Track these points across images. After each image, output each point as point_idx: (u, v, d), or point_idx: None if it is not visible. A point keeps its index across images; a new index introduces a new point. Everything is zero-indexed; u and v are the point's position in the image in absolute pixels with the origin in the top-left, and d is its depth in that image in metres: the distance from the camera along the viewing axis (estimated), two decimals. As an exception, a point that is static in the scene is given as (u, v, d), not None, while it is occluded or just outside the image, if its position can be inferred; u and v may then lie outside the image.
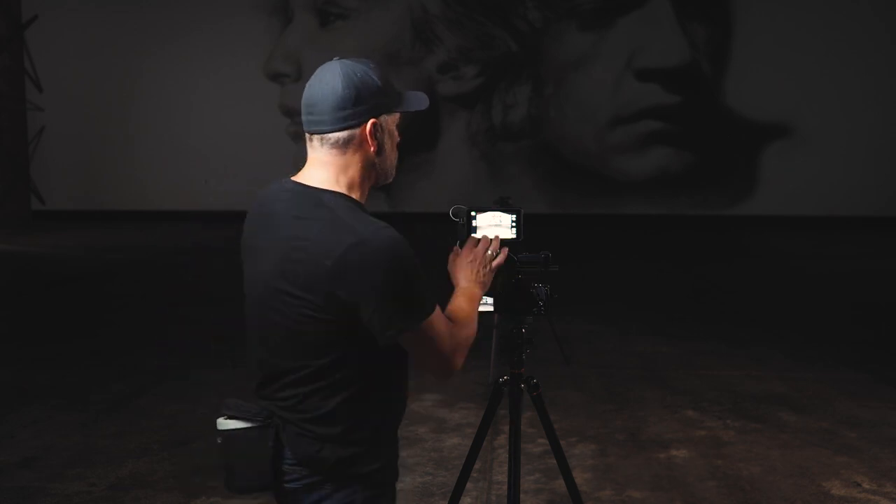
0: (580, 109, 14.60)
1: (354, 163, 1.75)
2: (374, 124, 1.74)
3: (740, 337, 6.53)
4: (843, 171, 14.13)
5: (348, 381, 1.70)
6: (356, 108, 1.70)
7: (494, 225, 2.43)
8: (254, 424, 1.73)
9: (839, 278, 9.28)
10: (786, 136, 14.41)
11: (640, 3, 14.39)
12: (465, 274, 1.99)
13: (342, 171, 1.74)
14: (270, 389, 1.75)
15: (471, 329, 1.86)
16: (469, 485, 2.94)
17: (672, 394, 5.08)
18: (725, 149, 14.51)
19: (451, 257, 2.07)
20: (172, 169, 15.08)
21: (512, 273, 2.41)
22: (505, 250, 2.12)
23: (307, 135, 1.76)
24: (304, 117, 1.75)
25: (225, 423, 1.74)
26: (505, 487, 3.10)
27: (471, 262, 2.01)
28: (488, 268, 2.03)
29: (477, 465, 3.18)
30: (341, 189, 1.74)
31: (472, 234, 2.19)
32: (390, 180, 1.88)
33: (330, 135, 1.72)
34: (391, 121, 1.80)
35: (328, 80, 1.72)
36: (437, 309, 1.74)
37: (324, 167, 1.74)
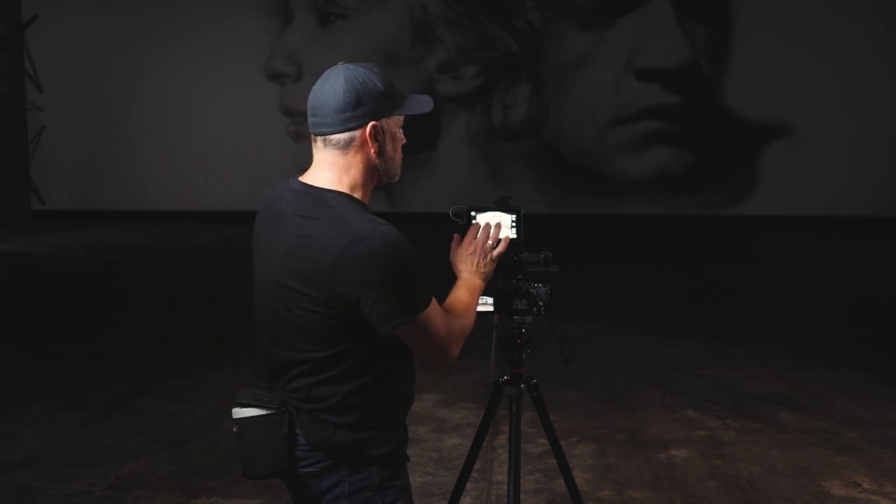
0: (580, 109, 14.60)
1: (356, 163, 1.82)
2: (374, 127, 1.81)
3: (740, 337, 6.53)
4: (843, 171, 14.13)
5: (356, 372, 1.76)
6: (356, 111, 1.78)
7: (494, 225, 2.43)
8: (268, 412, 1.81)
9: (839, 278, 9.28)
10: (786, 136, 14.42)
11: (640, 3, 14.39)
12: (467, 265, 2.04)
13: (345, 171, 1.81)
14: (281, 381, 1.83)
15: (467, 320, 1.91)
16: (469, 485, 2.94)
17: (672, 394, 5.08)
18: (725, 149, 14.51)
19: (452, 246, 2.11)
20: (172, 169, 15.08)
21: (512, 273, 2.41)
22: (506, 238, 2.14)
23: (313, 136, 1.84)
24: (309, 119, 1.83)
25: (240, 412, 1.84)
26: (505, 487, 3.10)
27: (471, 253, 2.05)
28: (489, 257, 2.06)
29: (477, 465, 3.18)
30: (344, 189, 1.81)
31: (474, 222, 2.21)
32: (396, 179, 1.93)
33: (332, 136, 1.80)
34: (393, 123, 1.87)
35: (331, 84, 1.79)
36: (434, 302, 1.80)
37: (328, 168, 1.81)
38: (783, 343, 6.34)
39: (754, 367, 5.70)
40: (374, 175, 1.87)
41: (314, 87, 1.83)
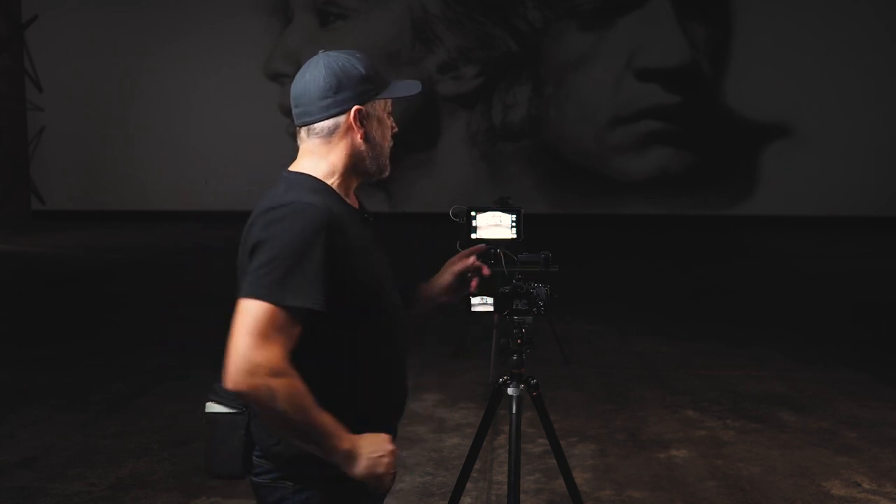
0: (580, 109, 14.61)
1: (338, 150, 1.75)
2: (358, 111, 1.72)
3: (740, 337, 6.53)
4: (843, 171, 14.14)
5: (301, 373, 1.60)
6: (337, 95, 1.71)
7: (494, 225, 2.43)
8: (230, 411, 1.73)
9: (839, 278, 9.27)
10: (786, 136, 14.42)
11: (640, 3, 14.39)
12: (367, 451, 1.63)
13: (324, 157, 1.75)
14: None
15: (286, 422, 1.56)
16: (469, 485, 2.94)
17: (672, 394, 5.08)
18: (725, 149, 14.51)
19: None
20: (172, 169, 15.08)
21: (511, 273, 2.41)
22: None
23: (297, 129, 1.78)
24: (292, 111, 1.78)
25: (210, 406, 1.77)
26: (505, 487, 3.10)
27: (378, 459, 1.64)
28: (382, 468, 1.65)
29: (477, 465, 3.18)
30: (318, 175, 1.74)
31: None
32: (386, 173, 1.82)
33: (315, 125, 1.73)
34: (380, 108, 1.78)
35: (311, 72, 1.73)
36: (279, 309, 1.54)
37: (308, 155, 1.76)
38: (783, 343, 6.34)
39: (754, 367, 5.70)
40: (359, 163, 1.76)
41: (295, 78, 1.77)
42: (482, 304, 2.36)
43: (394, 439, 1.73)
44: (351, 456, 1.60)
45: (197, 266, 10.12)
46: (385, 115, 1.80)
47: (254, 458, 1.72)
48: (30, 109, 15.29)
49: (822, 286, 8.86)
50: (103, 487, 3.70)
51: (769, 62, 14.13)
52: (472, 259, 2.02)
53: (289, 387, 1.53)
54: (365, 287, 1.69)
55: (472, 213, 2.37)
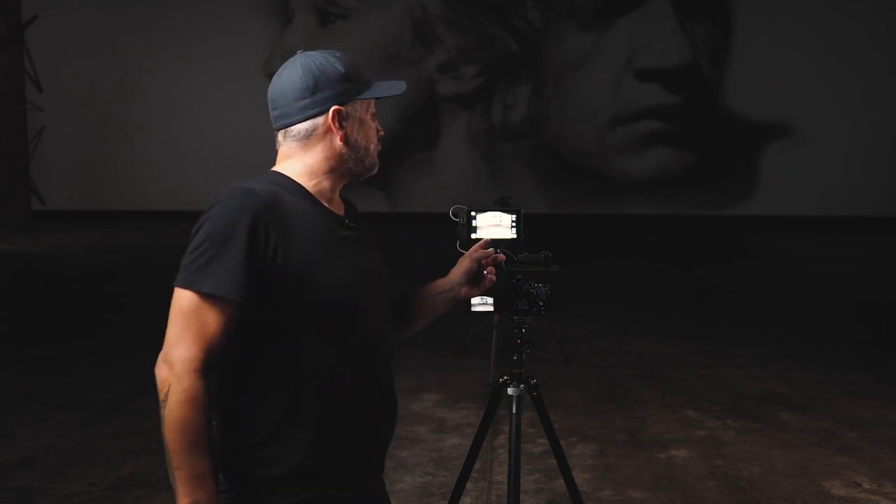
0: (580, 109, 14.61)
1: (316, 153, 1.66)
2: (336, 112, 1.64)
3: (740, 337, 6.53)
4: (843, 171, 14.14)
5: (232, 362, 1.56)
6: (315, 96, 1.63)
7: (494, 225, 2.43)
8: None
9: (839, 278, 9.27)
10: (786, 136, 14.43)
11: (640, 3, 14.40)
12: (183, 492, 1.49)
13: (300, 160, 1.66)
14: None
15: (174, 427, 1.50)
16: (469, 485, 2.93)
17: (672, 394, 5.08)
18: (725, 149, 14.52)
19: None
20: (172, 169, 15.08)
21: (511, 273, 2.41)
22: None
23: (274, 132, 1.70)
24: (270, 114, 1.69)
25: None
26: (505, 487, 3.10)
27: None
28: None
29: (477, 465, 3.18)
30: (294, 175, 1.66)
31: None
32: (374, 171, 1.74)
33: (293, 128, 1.65)
34: (361, 109, 1.68)
35: (287, 72, 1.67)
36: (198, 297, 1.49)
37: (284, 160, 1.68)
38: (783, 343, 6.34)
39: (754, 367, 5.70)
40: (339, 166, 1.67)
41: (272, 80, 1.70)
42: (482, 304, 2.36)
43: (369, 479, 1.66)
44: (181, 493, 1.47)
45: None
46: (368, 116, 1.70)
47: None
48: (30, 109, 15.30)
49: (822, 286, 8.86)
50: (103, 487, 3.70)
51: (769, 62, 14.13)
52: (489, 249, 2.00)
53: (183, 397, 1.49)
54: (308, 284, 1.55)
55: (472, 213, 2.36)
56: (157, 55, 14.88)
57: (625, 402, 4.94)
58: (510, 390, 2.52)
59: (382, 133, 1.74)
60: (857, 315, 7.39)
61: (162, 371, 1.54)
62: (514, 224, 2.37)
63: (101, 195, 15.30)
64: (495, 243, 2.45)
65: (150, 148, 15.17)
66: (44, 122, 15.28)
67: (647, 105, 14.40)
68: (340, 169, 1.68)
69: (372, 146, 1.71)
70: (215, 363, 1.54)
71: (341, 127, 1.65)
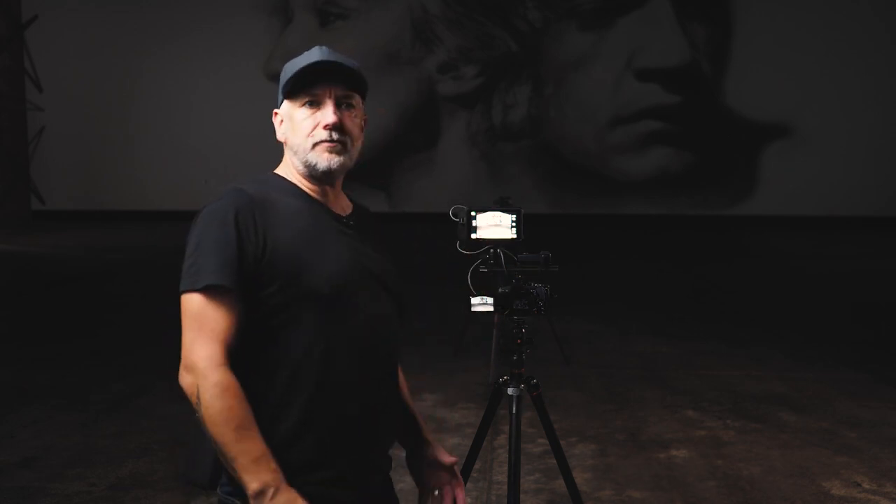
0: (580, 109, 14.62)
1: (287, 154, 1.74)
2: (274, 115, 1.75)
3: (740, 337, 6.53)
4: (843, 171, 14.15)
5: (235, 356, 1.57)
6: (279, 99, 1.73)
7: (494, 225, 2.43)
8: None
9: (839, 278, 9.27)
10: (786, 136, 14.43)
11: (640, 3, 14.40)
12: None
13: (287, 160, 1.75)
14: None
15: (217, 421, 1.48)
16: (469, 485, 2.94)
17: (672, 394, 5.08)
18: (725, 149, 14.52)
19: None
20: (172, 169, 15.09)
21: (511, 273, 2.41)
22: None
23: None
24: None
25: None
26: (505, 487, 3.10)
27: None
28: None
29: (477, 465, 3.18)
30: (287, 175, 1.73)
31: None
32: (320, 167, 1.67)
33: None
34: (289, 105, 1.69)
35: None
36: (202, 297, 1.51)
37: (284, 161, 1.78)
38: (783, 343, 6.33)
39: (754, 367, 5.69)
40: (294, 161, 1.70)
41: None
42: (482, 304, 2.36)
43: (368, 478, 1.64)
44: (258, 501, 1.45)
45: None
46: (297, 111, 1.68)
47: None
48: (30, 109, 15.30)
49: (822, 286, 8.86)
50: (103, 487, 3.70)
51: (769, 62, 14.14)
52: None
53: (216, 392, 1.47)
54: (294, 274, 1.56)
55: (472, 213, 2.37)
56: (157, 55, 14.89)
57: (625, 402, 4.94)
58: (510, 390, 2.52)
59: (331, 121, 1.64)
60: (857, 315, 7.39)
61: (185, 378, 1.52)
62: (514, 224, 2.38)
63: (101, 195, 15.30)
64: (495, 243, 2.46)
65: (150, 148, 15.17)
66: (44, 122, 15.28)
67: (647, 105, 14.40)
68: (297, 165, 1.70)
69: (305, 141, 1.67)
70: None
71: (281, 128, 1.73)
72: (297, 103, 1.67)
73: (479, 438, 2.66)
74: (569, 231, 11.94)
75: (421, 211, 13.84)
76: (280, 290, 1.56)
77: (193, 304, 1.52)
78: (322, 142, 1.65)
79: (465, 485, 2.69)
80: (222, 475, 1.59)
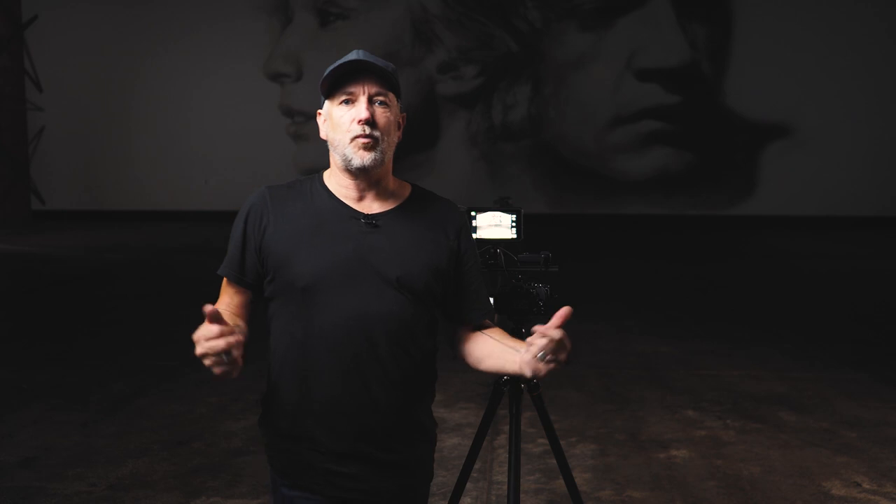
0: (580, 109, 14.62)
1: (330, 153, 1.86)
2: (318, 115, 1.89)
3: (740, 337, 6.53)
4: (843, 171, 14.15)
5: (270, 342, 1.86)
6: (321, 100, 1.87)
7: (494, 225, 2.43)
8: None
9: (839, 278, 9.28)
10: (786, 136, 14.43)
11: (640, 3, 14.40)
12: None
13: (330, 160, 1.88)
14: None
15: None
16: (469, 485, 2.94)
17: (672, 394, 5.08)
18: (725, 149, 14.52)
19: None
20: (172, 169, 15.09)
21: (511, 273, 2.41)
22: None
23: None
24: None
25: None
26: (505, 487, 3.10)
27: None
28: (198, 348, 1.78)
29: (477, 465, 3.18)
30: (325, 174, 1.88)
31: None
32: (355, 163, 1.76)
33: None
34: (329, 104, 1.82)
35: None
36: (224, 282, 1.86)
37: None
38: (783, 343, 6.34)
39: (754, 367, 5.69)
40: (334, 157, 1.83)
41: None
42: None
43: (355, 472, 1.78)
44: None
45: (197, 266, 10.12)
46: (335, 109, 1.80)
47: None
48: (30, 109, 15.30)
49: (822, 286, 8.86)
50: (103, 487, 3.70)
51: (769, 62, 14.14)
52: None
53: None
54: (283, 264, 1.77)
55: (472, 213, 2.37)
56: (156, 55, 14.89)
57: (625, 402, 4.94)
58: (510, 390, 2.52)
59: (363, 116, 1.75)
60: (857, 315, 7.39)
61: None
62: (514, 224, 2.38)
63: (101, 195, 15.31)
64: (495, 243, 2.46)
65: (150, 148, 15.17)
66: (44, 122, 15.28)
67: (647, 105, 14.40)
68: (337, 163, 1.83)
69: (345, 137, 1.77)
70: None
71: (323, 128, 1.86)
72: (336, 101, 1.79)
73: (479, 438, 2.66)
74: (569, 231, 11.94)
75: (421, 211, 13.83)
76: (271, 282, 1.79)
77: (223, 283, 1.86)
78: (357, 137, 1.75)
79: (465, 485, 2.70)
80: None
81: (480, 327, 1.96)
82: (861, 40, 14.05)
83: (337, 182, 1.83)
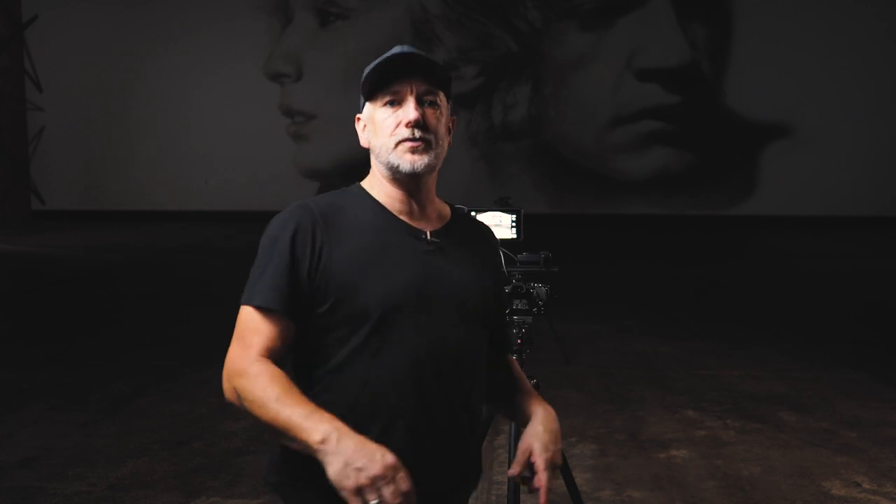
0: (580, 109, 14.62)
1: (372, 163, 1.65)
2: (357, 120, 1.67)
3: (740, 337, 6.53)
4: (843, 171, 14.16)
5: (299, 363, 1.59)
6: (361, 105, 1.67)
7: (495, 225, 2.44)
8: None
9: (839, 278, 9.27)
10: (786, 136, 14.44)
11: (640, 3, 14.40)
12: (348, 456, 1.34)
13: (371, 170, 1.67)
14: None
15: (258, 404, 1.43)
16: (469, 485, 2.93)
17: (672, 394, 5.08)
18: (725, 149, 14.52)
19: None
20: (172, 169, 15.09)
21: (511, 273, 2.41)
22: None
23: None
24: None
25: None
26: (505, 488, 3.10)
27: (356, 472, 1.33)
28: (352, 483, 1.33)
29: (477, 465, 3.18)
30: (368, 186, 1.65)
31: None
32: (403, 168, 1.56)
33: None
34: (370, 107, 1.62)
35: None
36: (253, 312, 1.51)
37: (370, 172, 1.69)
38: (783, 343, 6.33)
39: (754, 367, 5.69)
40: (378, 166, 1.61)
41: None
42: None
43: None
44: (325, 451, 1.34)
45: (197, 266, 10.13)
46: (378, 112, 1.59)
47: None
48: (30, 109, 15.30)
49: (822, 286, 8.86)
50: (103, 487, 3.70)
51: (769, 62, 14.14)
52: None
53: (250, 381, 1.44)
54: (348, 292, 1.51)
55: (472, 213, 2.37)
56: (156, 55, 14.89)
57: (625, 402, 4.93)
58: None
59: (413, 117, 1.54)
60: (857, 315, 7.39)
61: (225, 385, 1.50)
62: (514, 224, 2.38)
63: (101, 195, 15.31)
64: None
65: (150, 148, 15.18)
66: (44, 122, 15.29)
67: (647, 105, 14.40)
68: (380, 169, 1.61)
69: (389, 141, 1.57)
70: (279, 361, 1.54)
71: (364, 133, 1.64)
72: (379, 103, 1.59)
73: (479, 438, 2.66)
74: (569, 231, 11.94)
75: (421, 211, 13.84)
76: (331, 310, 1.52)
77: (243, 316, 1.53)
78: (404, 140, 1.55)
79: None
80: (267, 464, 1.60)
81: (498, 362, 1.76)
82: (861, 40, 14.05)
83: (384, 193, 1.61)
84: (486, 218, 2.40)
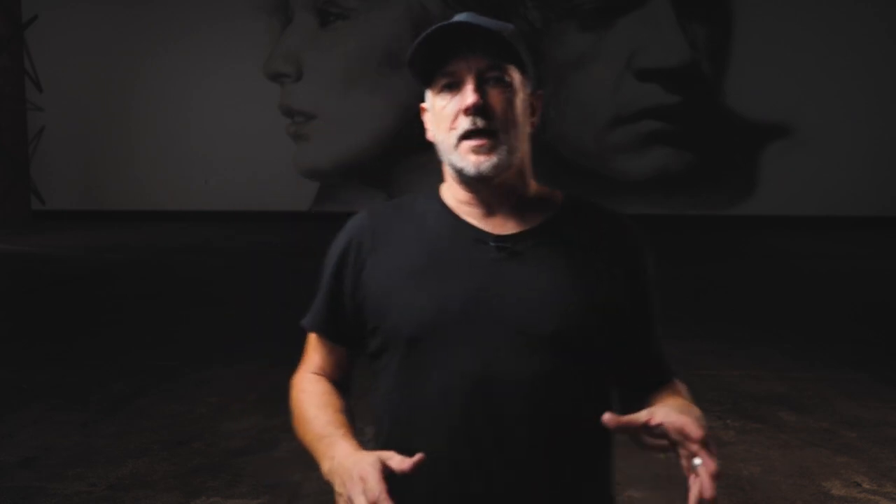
0: (580, 109, 14.61)
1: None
2: (422, 111, 1.46)
3: (740, 337, 6.53)
4: (843, 171, 14.15)
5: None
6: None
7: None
8: None
9: (839, 278, 9.27)
10: (786, 136, 14.43)
11: (640, 3, 14.40)
12: (338, 481, 1.18)
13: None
14: None
15: (295, 421, 1.39)
16: (469, 485, 2.92)
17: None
18: (725, 149, 14.52)
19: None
20: (172, 169, 15.09)
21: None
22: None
23: None
24: None
25: None
26: None
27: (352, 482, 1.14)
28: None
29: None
30: (443, 187, 1.46)
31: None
32: (470, 169, 1.33)
33: None
34: (431, 94, 1.40)
35: None
36: (309, 335, 1.47)
37: None
38: (783, 343, 6.33)
39: (754, 367, 5.69)
40: (445, 165, 1.39)
41: None
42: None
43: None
44: (330, 480, 1.21)
45: (197, 266, 10.12)
46: (437, 98, 1.36)
47: None
48: (30, 109, 15.30)
49: (822, 286, 8.86)
50: (103, 487, 3.70)
51: (769, 62, 14.14)
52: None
53: (294, 396, 1.40)
54: (379, 313, 1.32)
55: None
56: (157, 55, 14.89)
57: (625, 402, 4.93)
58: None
59: (470, 102, 1.30)
60: (857, 315, 7.39)
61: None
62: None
63: (101, 195, 15.30)
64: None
65: (150, 148, 15.17)
66: (44, 122, 15.28)
67: (647, 105, 14.40)
68: (452, 175, 1.38)
69: (449, 137, 1.33)
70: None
71: (428, 125, 1.42)
72: (436, 88, 1.37)
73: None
74: (569, 231, 11.91)
75: (421, 211, 13.84)
76: (372, 333, 1.34)
77: (307, 337, 1.49)
78: (466, 137, 1.30)
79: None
80: None
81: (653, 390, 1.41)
82: (861, 40, 14.05)
83: (454, 195, 1.38)
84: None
